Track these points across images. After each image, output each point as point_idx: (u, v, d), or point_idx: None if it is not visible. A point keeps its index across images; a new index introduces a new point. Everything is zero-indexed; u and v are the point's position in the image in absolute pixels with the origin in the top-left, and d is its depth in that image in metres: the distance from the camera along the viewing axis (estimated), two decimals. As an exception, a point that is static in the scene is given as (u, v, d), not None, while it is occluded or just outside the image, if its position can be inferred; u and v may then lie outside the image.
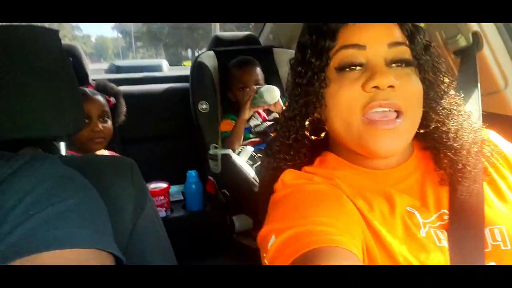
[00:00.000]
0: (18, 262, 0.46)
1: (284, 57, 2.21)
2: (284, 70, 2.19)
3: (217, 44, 2.29)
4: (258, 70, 1.94)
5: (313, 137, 0.67)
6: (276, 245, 0.53)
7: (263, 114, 1.99)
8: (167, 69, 2.97)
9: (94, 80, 1.65)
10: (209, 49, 2.17)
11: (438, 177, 0.64)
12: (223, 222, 1.86)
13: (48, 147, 1.29)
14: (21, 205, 0.51)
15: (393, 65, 0.60)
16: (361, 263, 0.51)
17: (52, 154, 0.89)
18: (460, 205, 0.60)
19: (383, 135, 0.58)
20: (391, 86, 0.58)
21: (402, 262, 0.54)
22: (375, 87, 0.58)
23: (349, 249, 0.50)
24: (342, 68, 0.61)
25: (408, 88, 0.59)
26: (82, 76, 1.96)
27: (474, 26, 1.00)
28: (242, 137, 1.86)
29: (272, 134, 1.97)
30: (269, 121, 1.97)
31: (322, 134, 0.67)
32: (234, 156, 1.68)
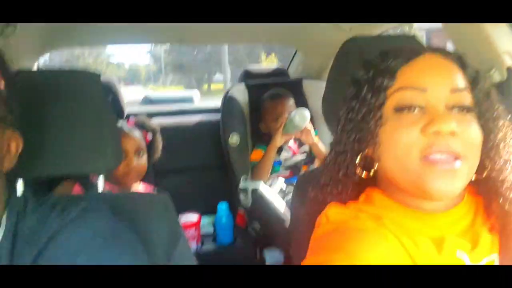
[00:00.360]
0: None
1: (313, 89, 2.22)
2: (313, 101, 2.20)
3: (246, 77, 2.34)
4: (292, 102, 1.97)
5: (363, 175, 0.66)
6: None
7: (294, 148, 1.99)
8: (198, 100, 3.04)
9: (133, 115, 1.69)
10: (240, 82, 2.22)
11: (489, 224, 0.62)
12: (254, 256, 1.84)
13: (86, 181, 1.34)
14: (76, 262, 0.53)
15: (455, 110, 0.58)
16: None
17: (90, 187, 0.91)
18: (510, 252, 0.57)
19: (442, 176, 0.56)
20: (452, 132, 0.56)
21: None
22: (436, 132, 0.56)
23: None
24: (401, 109, 0.60)
25: (468, 135, 0.57)
26: (119, 109, 2.04)
27: (509, 61, 0.98)
28: (271, 165, 1.85)
29: (303, 168, 1.97)
30: (300, 153, 1.97)
31: (372, 172, 0.65)
32: (265, 190, 1.67)
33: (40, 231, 0.57)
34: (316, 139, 1.85)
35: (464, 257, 0.58)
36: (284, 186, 1.82)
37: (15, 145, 0.60)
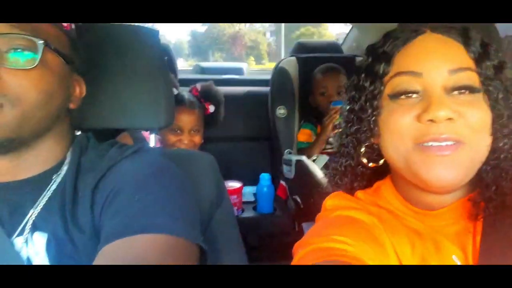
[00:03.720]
0: (118, 242, 0.52)
1: (367, 67, 2.15)
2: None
3: (299, 50, 2.30)
4: (342, 78, 1.92)
5: (370, 164, 0.63)
6: (297, 258, 0.54)
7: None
8: (247, 72, 3.05)
9: (188, 82, 1.65)
10: (291, 55, 2.19)
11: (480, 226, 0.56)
12: (292, 228, 1.86)
13: (138, 136, 1.40)
14: (128, 189, 0.59)
15: (455, 92, 0.54)
16: None
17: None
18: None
19: (438, 164, 0.52)
20: (449, 119, 0.52)
21: None
22: (431, 120, 0.52)
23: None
24: (396, 96, 0.56)
25: (471, 118, 0.53)
26: (172, 72, 2.09)
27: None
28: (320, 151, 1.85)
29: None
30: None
31: (381, 161, 0.63)
32: (309, 163, 1.67)
33: (100, 162, 0.64)
34: None
35: (458, 263, 0.55)
36: (328, 162, 1.81)
37: (79, 89, 0.68)
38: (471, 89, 0.54)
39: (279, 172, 1.99)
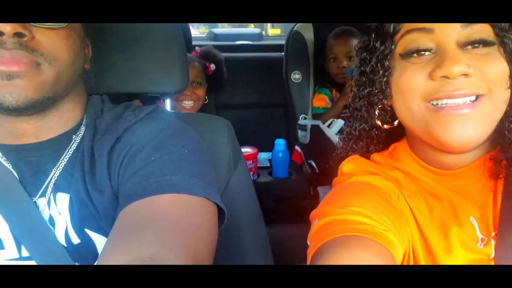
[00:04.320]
0: (138, 203, 0.53)
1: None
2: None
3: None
4: (354, 42, 1.87)
5: (385, 126, 0.63)
6: (314, 230, 0.54)
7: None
8: (263, 38, 2.99)
9: (199, 46, 1.73)
10: (307, 19, 2.14)
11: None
12: (308, 192, 1.89)
13: (150, 103, 1.41)
14: (144, 150, 0.60)
15: (469, 47, 0.52)
16: (394, 262, 0.48)
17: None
18: None
19: (454, 122, 0.51)
20: (464, 74, 0.51)
21: None
22: (444, 76, 0.51)
23: (383, 243, 0.48)
24: (408, 54, 0.55)
25: (488, 71, 0.51)
26: (186, 42, 2.07)
27: None
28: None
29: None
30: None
31: (396, 122, 0.62)
32: (324, 128, 1.67)
33: (116, 125, 0.65)
34: None
35: (475, 225, 0.55)
36: (344, 126, 1.80)
37: (88, 49, 0.70)
38: (485, 43, 0.53)
39: (294, 137, 2.00)
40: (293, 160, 2.04)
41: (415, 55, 0.55)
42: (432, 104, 0.53)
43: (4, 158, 0.62)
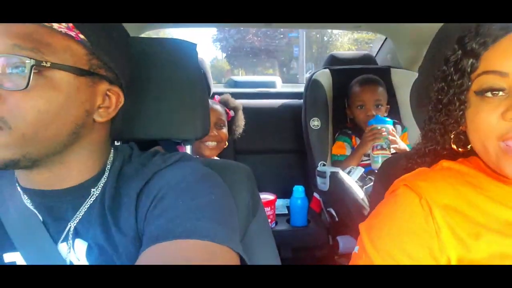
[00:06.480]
0: (161, 244, 0.53)
1: (403, 79, 2.12)
2: (402, 93, 2.10)
3: (332, 62, 2.29)
4: (381, 90, 1.89)
5: (460, 149, 0.67)
6: (352, 261, 0.62)
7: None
8: (280, 86, 3.06)
9: (218, 94, 1.82)
10: (325, 67, 2.19)
11: None
12: (326, 242, 1.83)
13: (172, 149, 1.42)
14: (172, 193, 0.60)
15: None
16: None
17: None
18: None
19: None
20: None
21: None
22: None
23: None
24: (482, 92, 0.59)
25: None
26: (207, 86, 2.14)
27: None
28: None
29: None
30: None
31: (469, 147, 0.66)
32: (344, 175, 1.65)
33: (145, 169, 0.66)
34: (402, 145, 1.78)
35: None
36: (364, 174, 1.78)
37: (116, 100, 0.65)
38: None
39: (312, 184, 1.97)
40: (311, 207, 2.00)
41: (489, 93, 0.59)
42: (507, 145, 0.57)
43: (29, 201, 0.63)
